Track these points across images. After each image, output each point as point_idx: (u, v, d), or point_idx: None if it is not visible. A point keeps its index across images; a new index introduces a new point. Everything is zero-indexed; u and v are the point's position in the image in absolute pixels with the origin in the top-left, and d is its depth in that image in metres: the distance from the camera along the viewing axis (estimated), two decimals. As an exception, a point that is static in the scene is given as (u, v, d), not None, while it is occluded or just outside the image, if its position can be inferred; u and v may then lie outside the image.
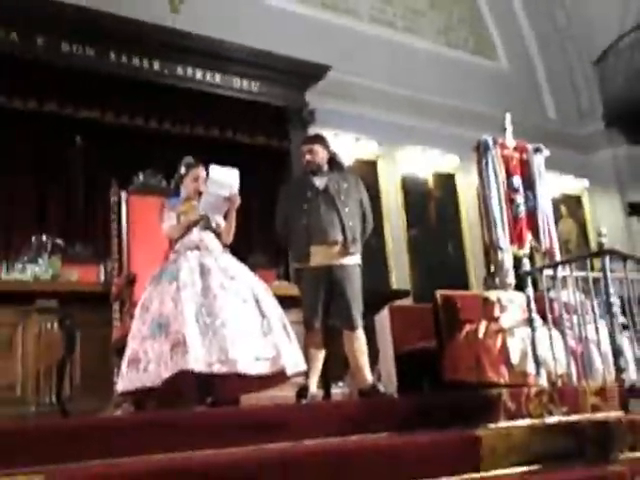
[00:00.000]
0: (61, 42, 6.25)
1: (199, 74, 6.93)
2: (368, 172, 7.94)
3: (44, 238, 5.18)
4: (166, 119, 6.80)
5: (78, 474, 2.19)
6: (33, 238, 5.21)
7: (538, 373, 4.20)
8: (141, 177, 4.52)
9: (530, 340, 4.33)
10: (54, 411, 3.99)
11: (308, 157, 4.04)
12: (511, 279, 4.96)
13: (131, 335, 3.33)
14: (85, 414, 3.76)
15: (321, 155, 4.06)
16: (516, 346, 4.57)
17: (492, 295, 4.97)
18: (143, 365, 3.20)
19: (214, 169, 3.60)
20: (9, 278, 4.67)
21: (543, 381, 4.12)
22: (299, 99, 7.54)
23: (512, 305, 4.92)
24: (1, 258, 5.57)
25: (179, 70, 6.82)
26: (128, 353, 3.28)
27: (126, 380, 3.24)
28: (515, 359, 4.52)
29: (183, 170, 3.78)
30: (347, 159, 7.73)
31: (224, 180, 3.59)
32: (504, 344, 4.61)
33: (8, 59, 5.94)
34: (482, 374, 4.56)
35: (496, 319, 4.83)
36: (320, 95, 7.63)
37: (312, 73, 7.49)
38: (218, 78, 7.04)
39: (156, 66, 6.69)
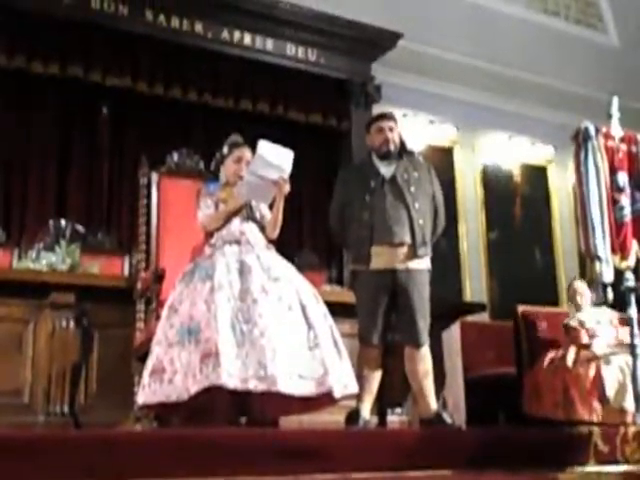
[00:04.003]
0: (90, -2, 6.36)
1: (247, 38, 6.97)
2: (442, 161, 7.89)
3: (63, 223, 5.33)
4: (207, 90, 6.85)
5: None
6: (50, 223, 5.36)
7: (638, 410, 4.11)
8: (175, 157, 4.57)
9: (630, 370, 4.24)
10: (65, 422, 4.07)
11: (389, 134, 4.03)
12: (609, 295, 4.86)
13: (156, 340, 3.38)
14: (100, 427, 3.82)
15: (398, 136, 4.07)
16: (613, 377, 4.49)
17: (573, 321, 4.90)
18: (168, 376, 3.25)
19: (263, 146, 3.57)
20: (21, 267, 4.79)
21: (644, 421, 4.03)
22: (364, 72, 7.54)
23: (601, 327, 4.84)
24: (13, 244, 5.69)
25: (224, 33, 6.87)
26: (152, 361, 3.33)
27: (148, 392, 3.29)
28: (611, 393, 4.44)
29: (225, 150, 3.81)
30: (418, 145, 7.71)
31: (274, 160, 3.57)
32: (598, 374, 4.54)
33: (29, 16, 6.06)
34: (571, 411, 4.51)
35: (587, 346, 4.76)
36: (388, 68, 7.59)
37: (380, 41, 7.47)
38: (270, 44, 7.07)
39: (198, 28, 6.75)
